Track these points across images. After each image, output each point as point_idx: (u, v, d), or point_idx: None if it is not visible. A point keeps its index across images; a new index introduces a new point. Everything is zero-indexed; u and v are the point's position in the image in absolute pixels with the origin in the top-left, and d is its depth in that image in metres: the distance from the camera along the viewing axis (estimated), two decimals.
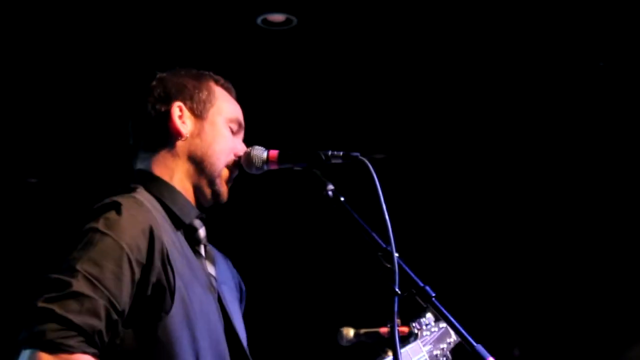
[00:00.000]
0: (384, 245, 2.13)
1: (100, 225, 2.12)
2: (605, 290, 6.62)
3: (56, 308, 1.99)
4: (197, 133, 2.38)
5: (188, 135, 2.37)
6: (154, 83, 2.44)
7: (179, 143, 2.37)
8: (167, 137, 2.37)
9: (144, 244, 2.13)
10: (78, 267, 2.04)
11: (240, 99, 2.56)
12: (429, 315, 2.99)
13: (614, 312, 6.31)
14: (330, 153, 2.27)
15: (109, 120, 4.71)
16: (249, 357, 2.38)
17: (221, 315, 2.33)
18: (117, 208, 2.16)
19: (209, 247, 2.43)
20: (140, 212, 2.19)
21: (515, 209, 6.84)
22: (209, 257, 2.41)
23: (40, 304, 2.00)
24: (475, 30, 4.78)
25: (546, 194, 6.66)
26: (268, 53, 5.00)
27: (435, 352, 2.99)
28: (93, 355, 2.00)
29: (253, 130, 3.09)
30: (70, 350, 1.97)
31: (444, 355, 3.01)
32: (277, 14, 4.60)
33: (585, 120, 5.75)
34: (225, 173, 2.40)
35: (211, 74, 2.51)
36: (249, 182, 2.61)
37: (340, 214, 2.21)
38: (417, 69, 5.21)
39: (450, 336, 3.02)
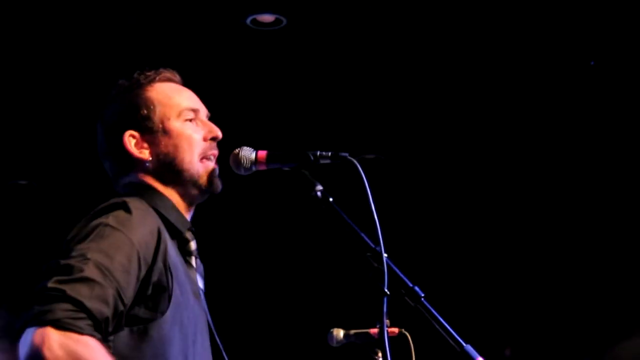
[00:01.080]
0: (373, 246, 2.13)
1: (111, 221, 2.11)
2: (596, 289, 6.63)
3: (67, 289, 1.96)
4: (158, 150, 2.35)
5: (151, 157, 2.35)
6: (100, 116, 2.43)
7: (148, 165, 2.35)
8: (134, 164, 2.36)
9: (151, 244, 2.14)
10: (89, 255, 2.03)
11: (229, 100, 2.55)
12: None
13: (603, 311, 6.32)
14: (318, 153, 2.26)
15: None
16: None
17: (207, 327, 2.34)
18: (126, 207, 2.16)
19: (199, 261, 2.43)
20: (148, 213, 2.21)
21: (505, 209, 6.85)
22: (198, 270, 2.42)
23: (51, 285, 1.97)
24: (466, 29, 4.79)
25: (536, 196, 6.67)
26: (257, 53, 4.99)
27: None
28: (98, 340, 1.98)
29: (242, 131, 3.08)
30: (80, 330, 1.94)
31: None
32: (267, 14, 4.59)
33: (579, 120, 5.76)
34: (205, 168, 2.38)
35: (143, 75, 2.44)
36: (238, 183, 2.61)
37: (329, 214, 2.21)
38: (408, 69, 5.21)
39: None
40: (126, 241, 2.09)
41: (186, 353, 2.18)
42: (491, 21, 4.70)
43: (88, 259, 2.02)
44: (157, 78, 2.44)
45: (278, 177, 2.38)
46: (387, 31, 4.78)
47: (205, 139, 2.40)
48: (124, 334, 2.09)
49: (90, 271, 2.00)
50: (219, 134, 2.43)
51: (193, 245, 2.39)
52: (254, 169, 2.34)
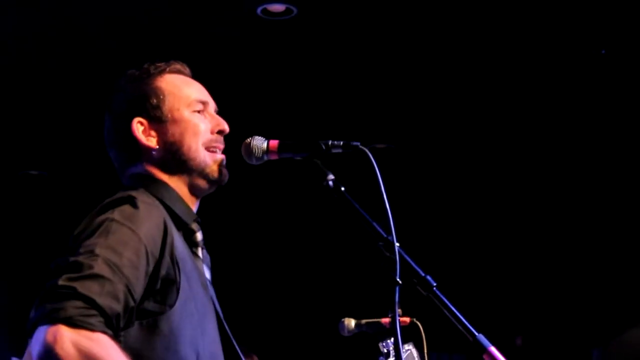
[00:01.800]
0: (385, 235, 2.12)
1: (117, 216, 2.11)
2: (604, 279, 6.63)
3: (78, 287, 1.96)
4: (166, 138, 2.35)
5: (159, 145, 2.35)
6: (108, 104, 2.43)
7: (154, 154, 2.35)
8: (141, 153, 2.36)
9: (158, 238, 2.13)
10: (97, 252, 2.02)
11: (240, 89, 2.55)
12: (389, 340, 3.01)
13: (611, 301, 6.32)
14: (330, 142, 2.25)
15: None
16: (242, 357, 2.38)
17: (215, 316, 2.34)
18: (132, 202, 2.16)
19: (205, 252, 2.43)
20: (154, 207, 2.20)
21: (515, 199, 6.84)
22: (205, 260, 2.42)
23: (62, 282, 1.96)
24: (475, 20, 4.77)
25: (545, 183, 6.66)
26: (268, 43, 4.99)
27: None
28: (110, 337, 1.98)
29: (253, 121, 3.08)
30: (92, 328, 1.94)
31: None
32: (277, 4, 4.59)
33: (589, 111, 5.74)
34: (212, 158, 2.39)
35: (153, 66, 2.44)
36: (250, 173, 2.61)
37: (340, 203, 2.20)
38: (418, 59, 5.20)
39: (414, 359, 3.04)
40: (133, 237, 2.08)
41: (196, 344, 2.18)
42: (502, 10, 4.68)
43: (97, 255, 2.02)
44: (168, 69, 2.44)
45: (290, 167, 2.38)
46: (397, 20, 4.77)
47: (212, 132, 2.40)
48: (134, 329, 2.09)
49: (100, 268, 2.00)
50: (226, 127, 2.43)
51: (199, 236, 2.38)
52: (265, 158, 2.33)
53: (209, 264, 2.44)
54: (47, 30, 4.74)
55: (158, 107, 2.37)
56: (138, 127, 2.36)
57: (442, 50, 5.11)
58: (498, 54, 5.13)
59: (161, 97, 2.38)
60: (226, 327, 2.37)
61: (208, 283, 2.38)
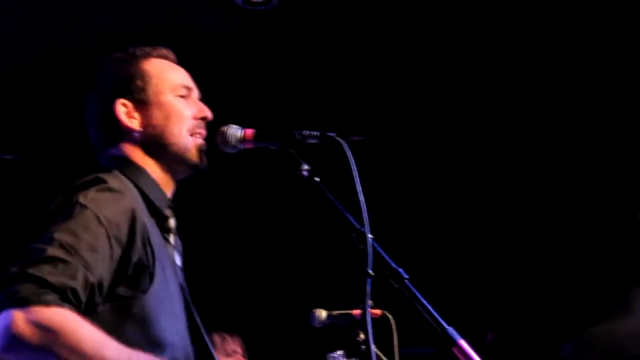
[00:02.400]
0: (358, 227, 2.13)
1: (82, 198, 2.12)
2: (574, 274, 6.67)
3: (30, 270, 1.97)
4: (148, 121, 2.37)
5: (141, 128, 2.36)
6: (91, 87, 2.44)
7: (135, 136, 2.37)
8: (122, 134, 2.37)
9: (124, 223, 2.13)
10: (55, 236, 2.04)
11: (219, 79, 2.55)
12: (339, 352, 3.01)
13: (582, 296, 6.35)
14: (306, 133, 2.27)
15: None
16: (209, 344, 2.39)
17: (184, 303, 2.34)
18: (101, 184, 2.17)
19: (177, 238, 2.43)
20: (125, 191, 2.20)
21: (490, 192, 6.87)
22: (177, 247, 2.42)
23: (14, 269, 1.98)
24: (454, 9, 4.77)
25: (526, 180, 6.68)
26: (248, 33, 4.97)
27: None
28: (70, 309, 1.98)
29: (231, 110, 3.07)
30: (47, 303, 1.95)
31: None
32: None
33: (571, 105, 5.76)
34: (193, 142, 2.40)
35: (139, 50, 2.47)
36: (224, 161, 2.60)
37: (314, 194, 2.21)
38: (401, 50, 5.19)
39: None
40: (94, 220, 2.09)
41: (167, 329, 2.19)
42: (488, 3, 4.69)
43: (53, 239, 2.03)
44: (154, 53, 2.47)
45: (264, 156, 2.38)
46: (378, 10, 4.77)
47: (195, 118, 2.42)
48: (107, 311, 2.09)
49: (53, 251, 2.01)
50: (210, 115, 2.45)
51: (172, 222, 2.39)
52: (240, 147, 2.34)
53: (181, 250, 2.44)
54: (22, 11, 4.70)
55: (143, 89, 2.39)
56: (121, 108, 2.37)
57: (422, 43, 5.11)
58: (477, 43, 5.13)
59: (146, 79, 2.40)
60: (194, 313, 2.38)
61: (178, 269, 2.39)
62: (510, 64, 5.29)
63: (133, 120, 2.37)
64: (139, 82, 2.39)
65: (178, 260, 2.41)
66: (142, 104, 2.38)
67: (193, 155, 2.39)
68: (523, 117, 5.90)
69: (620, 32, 4.88)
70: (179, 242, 2.45)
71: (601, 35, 4.93)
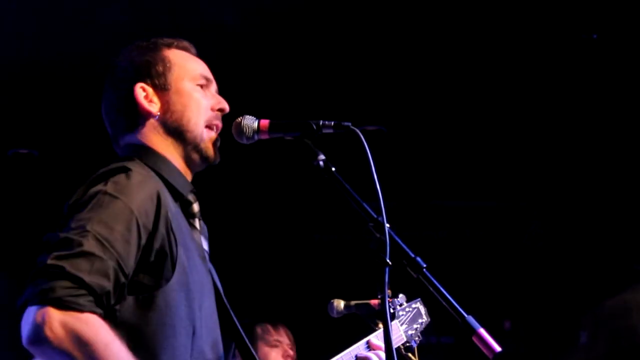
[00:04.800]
0: (375, 216, 2.11)
1: (110, 188, 2.11)
2: (591, 263, 6.65)
3: (67, 266, 1.96)
4: (167, 107, 2.38)
5: (159, 113, 2.36)
6: (111, 70, 2.44)
7: (153, 121, 2.37)
8: (140, 118, 2.37)
9: (151, 210, 2.13)
10: (88, 227, 2.03)
11: (230, 70, 2.55)
12: (401, 295, 3.04)
13: (603, 285, 6.33)
14: (321, 122, 2.26)
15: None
16: (241, 331, 2.37)
17: (213, 288, 2.33)
18: (126, 172, 2.17)
19: (202, 222, 2.42)
20: (148, 178, 2.21)
21: (505, 180, 6.85)
22: (202, 231, 2.41)
23: (50, 261, 1.97)
24: (463, 1, 4.76)
25: (535, 175, 6.67)
26: (260, 25, 4.96)
27: (410, 332, 3.05)
28: (100, 316, 1.99)
29: (245, 100, 3.07)
30: (80, 308, 1.94)
31: (417, 335, 3.07)
32: None
33: (576, 97, 5.74)
34: (208, 135, 2.40)
35: (161, 39, 2.48)
36: (240, 152, 2.60)
37: (331, 184, 2.20)
38: (415, 41, 5.17)
39: (422, 317, 3.09)
40: (125, 210, 2.08)
41: (193, 318, 2.18)
42: None
43: (87, 231, 2.02)
44: (175, 44, 2.49)
45: (281, 146, 2.37)
46: (395, 1, 4.76)
47: (212, 109, 2.43)
48: (130, 303, 2.08)
49: (89, 244, 2.00)
50: (227, 107, 2.46)
51: (196, 207, 2.39)
52: (256, 137, 2.33)
53: (207, 234, 2.44)
54: (40, 5, 4.70)
55: (163, 74, 2.40)
56: (140, 92, 2.38)
57: (438, 33, 5.09)
58: (488, 35, 5.11)
59: (168, 65, 2.41)
60: (225, 301, 2.36)
61: (206, 254, 2.38)
62: (527, 55, 5.27)
63: (152, 104, 2.37)
64: (159, 67, 2.40)
65: (205, 245, 2.40)
66: (161, 89, 2.39)
67: (207, 147, 2.40)
68: (539, 105, 5.88)
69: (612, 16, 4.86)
70: (204, 226, 2.44)
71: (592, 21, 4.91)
